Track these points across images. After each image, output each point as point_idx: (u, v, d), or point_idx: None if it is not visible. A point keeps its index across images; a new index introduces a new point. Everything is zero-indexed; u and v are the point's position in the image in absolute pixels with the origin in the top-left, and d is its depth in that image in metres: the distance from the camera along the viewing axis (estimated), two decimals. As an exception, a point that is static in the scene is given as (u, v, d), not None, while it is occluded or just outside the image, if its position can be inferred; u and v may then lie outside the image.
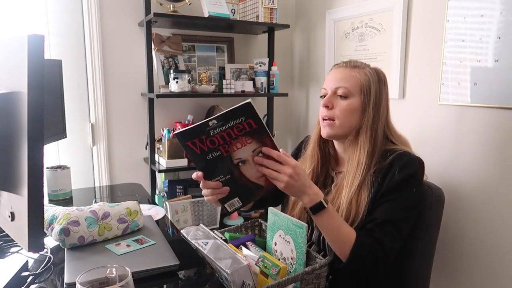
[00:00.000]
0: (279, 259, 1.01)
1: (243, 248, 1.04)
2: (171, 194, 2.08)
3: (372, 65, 1.12)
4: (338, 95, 1.07)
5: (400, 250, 1.03)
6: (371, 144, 1.05)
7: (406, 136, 1.15)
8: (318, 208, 0.94)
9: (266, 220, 1.14)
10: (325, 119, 1.08)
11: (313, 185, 0.96)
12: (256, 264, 0.91)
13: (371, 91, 1.06)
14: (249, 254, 1.00)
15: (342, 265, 0.98)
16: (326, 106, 1.07)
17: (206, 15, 1.93)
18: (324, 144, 1.17)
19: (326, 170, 1.17)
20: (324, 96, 1.10)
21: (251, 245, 1.05)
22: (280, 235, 1.03)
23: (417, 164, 1.03)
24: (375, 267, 0.97)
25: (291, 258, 0.98)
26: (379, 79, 1.09)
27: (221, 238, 0.97)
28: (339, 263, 0.99)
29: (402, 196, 1.00)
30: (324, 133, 1.09)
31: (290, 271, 0.98)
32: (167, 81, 2.03)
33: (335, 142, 1.15)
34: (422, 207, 1.13)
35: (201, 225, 1.01)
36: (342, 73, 1.09)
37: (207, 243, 0.90)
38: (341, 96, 1.06)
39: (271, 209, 1.07)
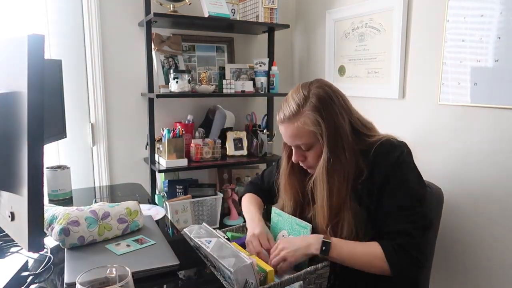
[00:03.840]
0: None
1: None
2: (171, 194, 2.08)
3: (300, 82, 1.06)
4: (302, 149, 1.05)
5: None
6: (350, 157, 1.01)
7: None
8: (326, 248, 0.95)
9: (268, 220, 1.14)
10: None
11: (307, 237, 0.98)
12: None
13: (323, 129, 0.99)
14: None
15: (392, 277, 0.96)
16: (300, 161, 1.06)
17: (206, 15, 1.93)
18: (296, 170, 1.13)
19: (304, 192, 1.14)
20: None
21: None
22: (283, 235, 1.03)
23: (396, 151, 0.99)
24: (416, 256, 0.93)
25: (292, 258, 0.98)
26: (325, 106, 0.99)
27: (224, 237, 0.97)
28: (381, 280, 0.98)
29: (397, 186, 0.97)
30: (311, 172, 1.08)
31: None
32: (167, 81, 2.03)
33: None
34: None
35: (204, 223, 1.01)
36: (289, 130, 1.03)
37: (210, 241, 0.90)
38: (305, 149, 1.04)
39: (274, 209, 1.07)
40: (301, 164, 1.07)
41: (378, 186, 0.99)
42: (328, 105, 0.99)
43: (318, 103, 0.98)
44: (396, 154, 0.98)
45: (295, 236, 0.98)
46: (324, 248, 0.95)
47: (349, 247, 0.97)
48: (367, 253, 0.95)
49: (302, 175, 1.13)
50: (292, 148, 1.06)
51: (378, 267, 0.95)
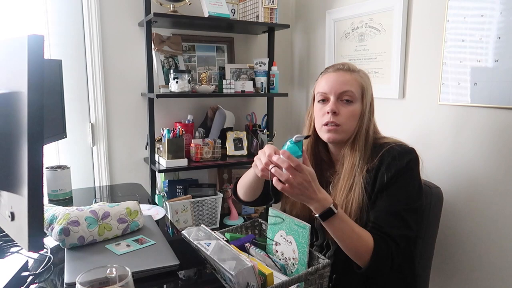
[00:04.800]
0: (280, 259, 1.01)
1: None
2: (171, 194, 2.08)
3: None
4: (343, 100, 1.06)
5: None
6: (366, 145, 1.06)
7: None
8: (327, 214, 0.92)
9: (266, 220, 1.14)
10: (330, 124, 1.06)
11: (321, 191, 0.94)
12: None
13: (368, 94, 1.08)
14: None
15: (362, 270, 0.97)
16: (334, 112, 1.05)
17: (206, 15, 1.93)
18: (316, 147, 1.16)
19: (320, 172, 1.15)
20: (323, 100, 1.09)
21: (250, 247, 1.05)
22: (281, 236, 1.03)
23: (407, 156, 1.02)
24: (392, 264, 0.96)
25: (293, 258, 0.98)
26: (370, 81, 1.11)
27: (223, 239, 0.97)
28: (354, 267, 0.99)
29: (398, 188, 1.00)
30: (329, 138, 1.07)
31: (292, 271, 0.98)
32: (167, 81, 2.03)
33: (330, 145, 1.14)
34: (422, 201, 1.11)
35: (202, 225, 1.01)
36: (344, 77, 1.07)
37: (210, 244, 0.90)
38: (346, 101, 1.06)
39: (272, 210, 1.06)
40: (330, 119, 1.05)
41: (380, 183, 1.01)
42: (371, 85, 1.12)
43: (367, 77, 1.12)
44: (406, 158, 1.01)
45: (314, 183, 0.92)
46: (325, 214, 0.92)
47: (348, 226, 0.95)
48: (360, 243, 0.95)
49: (319, 155, 1.16)
50: (331, 99, 1.06)
51: (359, 257, 0.96)
